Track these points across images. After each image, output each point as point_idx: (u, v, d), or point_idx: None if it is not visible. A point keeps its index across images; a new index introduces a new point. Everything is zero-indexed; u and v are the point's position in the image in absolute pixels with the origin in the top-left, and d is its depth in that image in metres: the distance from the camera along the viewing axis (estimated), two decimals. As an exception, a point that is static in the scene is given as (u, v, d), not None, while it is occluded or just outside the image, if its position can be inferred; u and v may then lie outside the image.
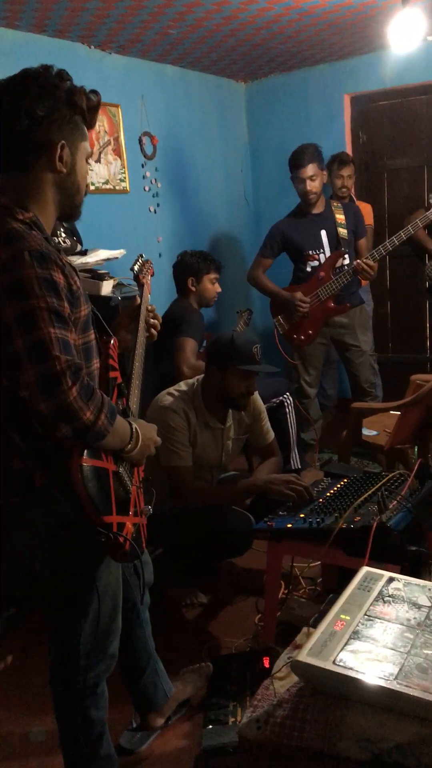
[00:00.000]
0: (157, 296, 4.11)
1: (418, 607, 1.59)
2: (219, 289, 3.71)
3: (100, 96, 1.62)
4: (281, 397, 3.74)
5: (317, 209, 3.89)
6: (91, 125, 1.63)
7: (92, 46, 3.90)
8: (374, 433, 3.30)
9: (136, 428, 1.61)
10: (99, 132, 4.02)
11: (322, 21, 3.75)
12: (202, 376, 2.77)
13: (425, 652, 1.43)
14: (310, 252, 3.91)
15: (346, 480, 2.50)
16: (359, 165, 4.85)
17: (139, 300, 1.96)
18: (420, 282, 4.79)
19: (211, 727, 2.05)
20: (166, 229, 4.50)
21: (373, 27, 3.88)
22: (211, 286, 3.67)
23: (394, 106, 4.81)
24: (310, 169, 3.76)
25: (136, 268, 2.07)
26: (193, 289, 3.65)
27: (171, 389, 2.74)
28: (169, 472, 2.61)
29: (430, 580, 2.24)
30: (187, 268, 3.65)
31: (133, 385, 1.81)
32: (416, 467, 2.32)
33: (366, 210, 4.44)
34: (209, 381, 2.71)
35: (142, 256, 2.11)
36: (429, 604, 1.60)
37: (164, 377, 3.37)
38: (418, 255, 4.63)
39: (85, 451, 1.46)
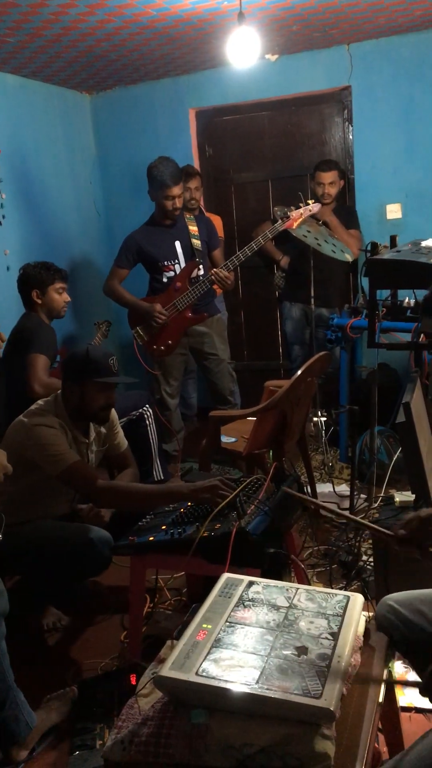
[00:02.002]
0: (7, 311, 3.97)
1: (277, 608, 1.63)
2: (68, 299, 3.63)
3: None
4: (141, 410, 3.72)
5: (170, 220, 3.92)
6: None
7: None
8: (232, 440, 3.36)
9: None
10: None
11: (162, 35, 3.79)
12: (59, 392, 2.70)
13: (284, 652, 1.46)
14: (166, 263, 3.93)
15: (206, 488, 2.52)
16: (207, 178, 4.95)
17: None
18: (270, 291, 4.96)
19: (77, 753, 1.99)
20: (13, 242, 4.36)
21: (213, 43, 3.98)
22: (58, 296, 3.58)
23: (238, 121, 4.95)
24: (177, 189, 3.80)
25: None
26: (39, 301, 3.54)
27: (33, 409, 2.66)
28: (66, 477, 2.51)
29: (290, 581, 2.31)
30: (30, 281, 3.54)
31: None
32: (271, 471, 2.38)
33: (216, 222, 4.52)
34: (68, 396, 2.65)
35: None
36: (287, 605, 1.64)
37: (18, 395, 3.25)
38: (267, 266, 4.79)
39: None
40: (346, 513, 1.66)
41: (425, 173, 4.51)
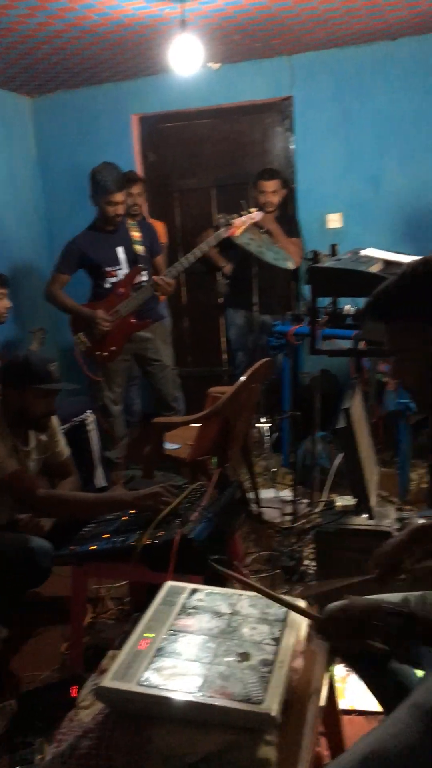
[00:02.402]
0: None
1: (220, 615, 1.62)
2: (8, 305, 3.57)
3: None
4: (83, 416, 3.68)
5: (113, 226, 3.90)
6: None
7: None
8: (176, 446, 3.35)
9: None
10: None
11: (104, 40, 3.77)
12: (-1, 399, 2.65)
13: (227, 659, 1.46)
14: (108, 268, 3.90)
15: (149, 495, 2.50)
16: (150, 184, 4.94)
17: None
18: (214, 298, 4.98)
19: (17, 768, 1.94)
20: None
21: (156, 50, 3.98)
22: (-3, 301, 3.52)
23: (181, 128, 4.96)
24: (120, 195, 3.77)
25: None
26: (-22, 307, 3.47)
27: None
28: (5, 486, 2.45)
29: (233, 587, 2.31)
30: (-33, 287, 3.47)
31: None
32: (215, 477, 2.39)
33: (159, 228, 4.52)
34: (8, 404, 2.60)
35: None
36: (230, 611, 1.64)
37: None
38: (211, 272, 4.82)
39: None
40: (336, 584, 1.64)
41: (364, 184, 4.61)
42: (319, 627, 1.42)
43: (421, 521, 1.66)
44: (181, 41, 3.21)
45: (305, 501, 3.43)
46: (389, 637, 1.30)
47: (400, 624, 1.27)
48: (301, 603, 1.58)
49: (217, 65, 4.61)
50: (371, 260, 2.86)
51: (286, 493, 3.66)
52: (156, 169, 5.07)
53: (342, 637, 1.38)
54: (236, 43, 4.12)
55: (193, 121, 4.92)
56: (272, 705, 1.33)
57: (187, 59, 3.30)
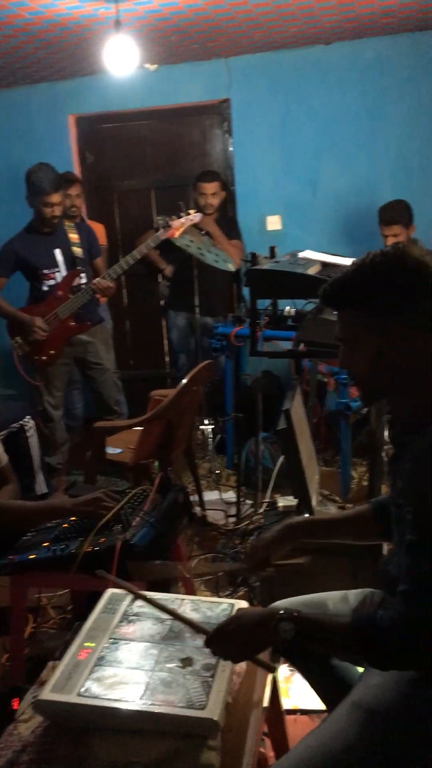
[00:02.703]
0: None
1: (162, 621, 1.61)
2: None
3: None
4: (22, 421, 3.60)
5: (50, 228, 3.84)
6: None
7: None
8: (118, 451, 3.32)
9: None
10: None
11: (37, 39, 3.71)
12: None
13: (169, 665, 1.45)
14: (46, 271, 3.83)
15: (90, 501, 2.46)
16: (89, 185, 4.88)
17: None
18: (155, 300, 4.95)
19: None
20: None
21: (91, 49, 3.93)
22: None
23: (119, 129, 4.92)
24: (56, 197, 3.71)
25: None
26: None
27: None
28: None
29: (178, 591, 2.30)
30: None
31: None
32: (157, 481, 2.37)
33: (98, 230, 4.47)
34: None
35: None
36: (172, 617, 1.62)
37: None
38: (151, 274, 4.79)
39: None
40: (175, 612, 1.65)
41: (302, 186, 4.67)
42: (207, 641, 1.39)
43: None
44: (115, 42, 3.19)
45: (249, 502, 3.44)
46: (284, 644, 1.31)
47: (293, 629, 1.27)
48: (194, 616, 1.58)
49: (154, 66, 4.59)
50: (309, 262, 2.89)
51: (230, 495, 3.67)
52: (94, 170, 5.02)
53: (231, 651, 1.37)
54: (173, 44, 4.12)
55: (131, 122, 4.89)
56: (214, 710, 1.32)
57: (122, 60, 3.27)
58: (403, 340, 1.29)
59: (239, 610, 1.41)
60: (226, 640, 1.37)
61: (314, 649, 1.46)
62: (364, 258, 1.32)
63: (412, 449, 1.26)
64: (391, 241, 4.02)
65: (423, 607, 1.19)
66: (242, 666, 1.52)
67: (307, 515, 2.37)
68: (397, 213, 4.00)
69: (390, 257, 1.30)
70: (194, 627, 1.51)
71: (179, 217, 3.90)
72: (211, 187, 4.36)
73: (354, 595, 1.63)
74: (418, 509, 1.23)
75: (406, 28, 4.22)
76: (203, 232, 4.19)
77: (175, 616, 1.54)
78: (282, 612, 1.30)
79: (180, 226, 3.87)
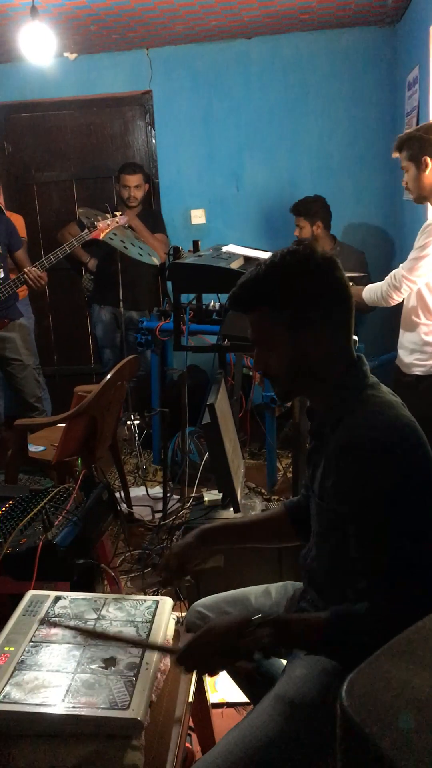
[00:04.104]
0: None
1: (84, 621, 1.58)
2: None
3: None
4: None
5: (-35, 220, 3.71)
6: None
7: None
8: (41, 448, 3.24)
9: None
10: None
11: None
12: None
13: (91, 666, 1.42)
14: (-38, 265, 3.70)
15: (11, 502, 2.40)
16: (7, 176, 4.75)
17: None
18: (79, 294, 4.87)
19: None
20: None
21: (7, 36, 3.82)
22: None
23: (39, 119, 4.80)
24: None
25: None
26: None
27: None
28: None
29: (104, 590, 2.27)
30: None
31: None
32: (80, 479, 2.33)
33: (18, 222, 4.35)
34: None
35: None
36: (95, 617, 1.60)
37: None
38: (74, 268, 4.70)
39: None
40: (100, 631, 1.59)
41: (226, 180, 4.67)
42: (179, 659, 1.33)
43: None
44: (32, 29, 3.10)
45: (176, 497, 3.43)
46: (263, 649, 1.28)
47: (271, 633, 1.25)
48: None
49: (73, 55, 4.50)
50: (232, 256, 2.89)
51: (157, 491, 3.65)
52: (13, 160, 4.88)
53: (208, 665, 1.32)
54: (93, 33, 4.04)
55: (51, 111, 4.77)
56: (138, 709, 1.31)
57: (39, 48, 3.19)
58: (315, 336, 1.30)
59: (206, 624, 1.37)
60: (201, 654, 1.31)
61: (291, 649, 1.44)
62: (271, 258, 1.33)
63: (334, 443, 1.28)
64: (296, 232, 4.11)
65: (391, 597, 1.19)
66: (166, 663, 1.52)
67: (220, 520, 2.38)
68: (302, 206, 4.11)
69: (297, 255, 1.30)
70: (160, 649, 1.47)
71: (104, 218, 3.83)
72: (134, 180, 4.31)
73: (276, 588, 1.65)
74: (353, 506, 1.24)
75: (325, 26, 4.28)
76: (126, 226, 4.14)
77: (138, 644, 1.48)
78: (258, 617, 1.27)
79: (105, 227, 3.81)
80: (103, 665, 1.43)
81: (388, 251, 4.58)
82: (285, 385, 1.39)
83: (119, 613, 1.62)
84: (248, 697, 1.70)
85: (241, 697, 1.84)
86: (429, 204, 2.81)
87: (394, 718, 0.51)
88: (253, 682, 1.61)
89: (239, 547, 1.68)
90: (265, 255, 2.88)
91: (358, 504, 1.23)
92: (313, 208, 4.11)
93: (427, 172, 2.66)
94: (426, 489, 1.24)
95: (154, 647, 1.47)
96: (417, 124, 3.51)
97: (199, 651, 1.31)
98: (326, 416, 1.34)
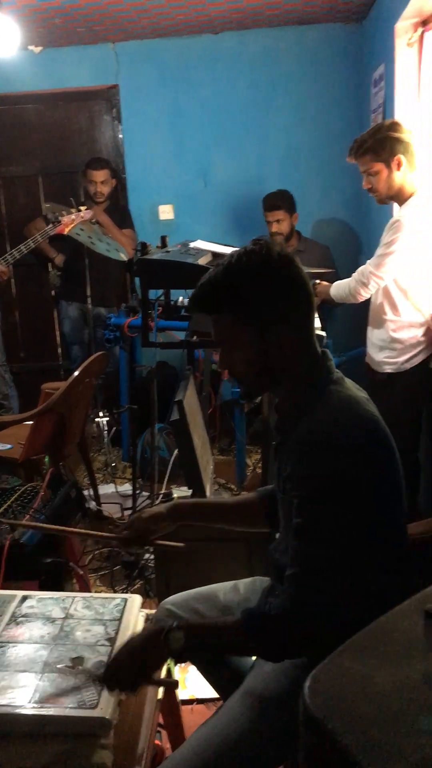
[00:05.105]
0: None
1: (52, 621, 1.57)
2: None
3: None
4: None
5: None
6: None
7: None
8: (8, 446, 3.20)
9: None
10: None
11: None
12: None
13: (59, 666, 1.41)
14: None
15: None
16: (-28, 171, 4.68)
17: None
18: (46, 290, 4.82)
19: None
20: None
21: (-30, 29, 3.76)
22: None
23: (2, 113, 4.73)
24: None
25: None
26: None
27: None
28: None
29: (72, 589, 2.26)
30: None
31: None
32: (47, 477, 2.31)
33: (-17, 217, 4.30)
34: None
35: None
36: (62, 616, 1.59)
37: None
38: (41, 264, 4.66)
39: None
40: (71, 528, 1.66)
41: (193, 175, 4.66)
42: (104, 680, 1.33)
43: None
44: (-5, 21, 3.06)
45: (146, 494, 3.42)
46: (177, 654, 1.29)
47: (182, 638, 1.26)
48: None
49: (38, 49, 4.44)
50: (200, 252, 2.89)
51: (127, 488, 3.63)
52: (-22, 155, 4.81)
53: (127, 680, 1.31)
54: (58, 27, 3.99)
55: (16, 105, 4.70)
56: (106, 708, 1.30)
57: (2, 40, 3.14)
58: (276, 334, 1.31)
59: (125, 642, 1.38)
60: (120, 670, 1.31)
61: (208, 652, 1.45)
62: (228, 258, 1.33)
63: (296, 436, 1.28)
64: (275, 227, 4.11)
65: (311, 590, 1.22)
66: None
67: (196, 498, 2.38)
68: (278, 199, 4.11)
69: (254, 255, 1.31)
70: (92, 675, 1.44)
71: (69, 212, 3.80)
72: (100, 175, 4.28)
73: (244, 584, 1.65)
74: (303, 494, 1.25)
75: (291, 22, 4.28)
76: (94, 221, 4.12)
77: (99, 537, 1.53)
78: (170, 624, 1.29)
79: (70, 222, 3.79)
80: (71, 664, 1.42)
81: (354, 247, 4.61)
82: (250, 384, 1.40)
83: (87, 611, 1.61)
84: (218, 693, 1.70)
85: (211, 693, 1.84)
86: (395, 203, 2.83)
87: (356, 713, 0.51)
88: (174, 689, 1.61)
89: (205, 525, 1.67)
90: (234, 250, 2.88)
91: (306, 494, 1.24)
92: (291, 200, 4.12)
93: (400, 170, 2.67)
94: (383, 486, 1.25)
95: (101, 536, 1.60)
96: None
97: (118, 667, 1.32)
98: (291, 412, 1.35)
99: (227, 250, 2.95)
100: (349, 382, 1.36)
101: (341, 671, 0.56)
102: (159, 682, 1.42)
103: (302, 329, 1.33)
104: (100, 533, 1.66)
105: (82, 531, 1.79)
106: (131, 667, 1.30)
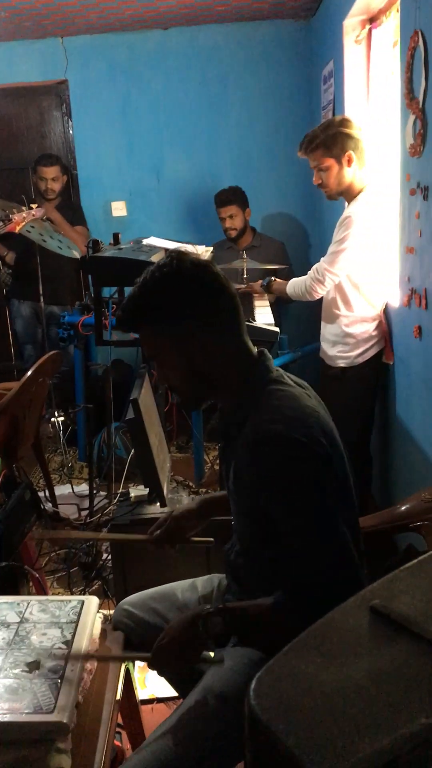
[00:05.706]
0: None
1: (7, 625, 1.55)
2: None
3: None
4: None
5: None
6: None
7: None
8: (-40, 449, 3.15)
9: None
10: None
11: None
12: None
13: (15, 671, 1.39)
14: None
15: None
16: None
17: None
18: (-2, 289, 4.74)
19: None
20: None
21: None
22: None
23: None
24: None
25: None
26: None
27: None
28: None
29: (28, 593, 2.23)
30: None
31: None
32: (0, 480, 2.28)
33: None
34: None
35: None
36: (18, 620, 1.56)
37: None
38: (-8, 262, 4.58)
39: None
40: (99, 533, 1.65)
41: (146, 172, 4.63)
42: (151, 664, 1.37)
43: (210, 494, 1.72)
44: None
45: (103, 494, 3.40)
46: (217, 638, 1.30)
47: (221, 622, 1.27)
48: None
49: (-16, 43, 4.36)
50: (153, 249, 2.88)
51: (83, 488, 3.60)
52: None
53: (172, 664, 1.36)
54: (4, 20, 3.93)
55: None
56: (63, 712, 1.28)
57: None
58: (201, 343, 1.31)
59: (168, 623, 1.39)
60: (165, 655, 1.33)
61: (243, 636, 1.45)
62: (144, 275, 1.34)
63: (242, 439, 1.29)
64: (228, 222, 4.12)
65: (324, 564, 1.22)
66: (93, 663, 1.50)
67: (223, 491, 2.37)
68: (230, 194, 4.14)
69: (165, 267, 1.31)
70: (135, 657, 1.48)
71: (20, 210, 3.74)
72: (51, 171, 4.22)
73: (202, 582, 1.65)
74: (269, 493, 1.25)
75: (241, 18, 4.29)
76: (45, 218, 4.06)
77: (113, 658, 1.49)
78: (207, 608, 1.29)
79: (21, 220, 3.72)
80: (27, 669, 1.40)
81: (307, 243, 4.65)
82: (187, 395, 1.41)
83: (43, 615, 1.59)
84: (177, 692, 1.70)
85: (170, 691, 1.84)
86: (344, 199, 2.86)
87: (300, 713, 0.51)
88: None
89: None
90: (187, 247, 2.88)
91: (273, 492, 1.24)
92: (243, 196, 4.15)
93: (351, 167, 2.69)
94: (332, 478, 1.26)
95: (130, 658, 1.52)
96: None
97: (164, 652, 1.33)
98: (232, 416, 1.36)
99: (181, 246, 2.94)
100: (288, 379, 1.37)
101: (286, 671, 0.56)
102: (205, 660, 1.41)
103: (228, 333, 1.34)
104: (132, 537, 1.63)
105: (115, 536, 1.76)
106: (174, 651, 1.32)
